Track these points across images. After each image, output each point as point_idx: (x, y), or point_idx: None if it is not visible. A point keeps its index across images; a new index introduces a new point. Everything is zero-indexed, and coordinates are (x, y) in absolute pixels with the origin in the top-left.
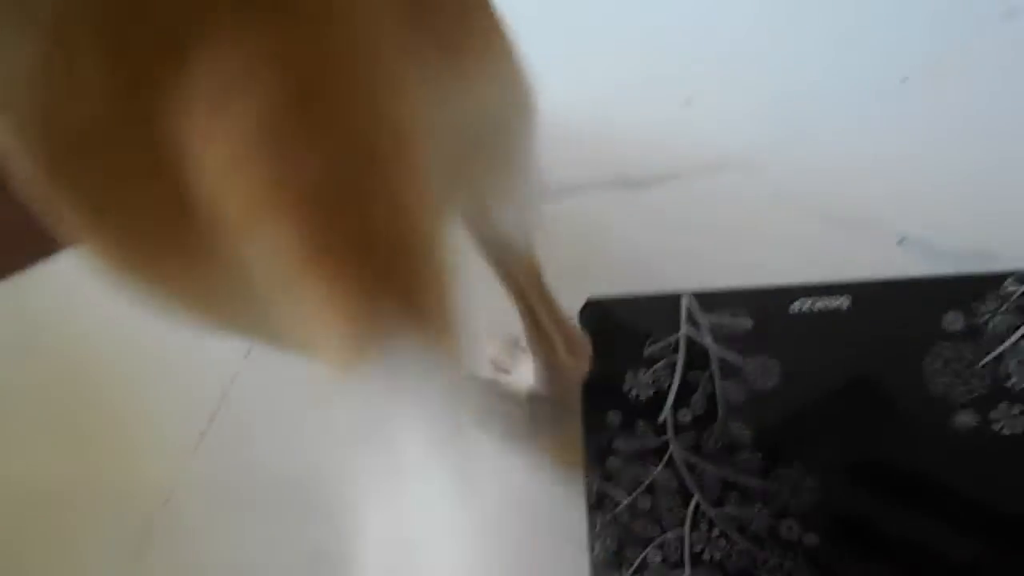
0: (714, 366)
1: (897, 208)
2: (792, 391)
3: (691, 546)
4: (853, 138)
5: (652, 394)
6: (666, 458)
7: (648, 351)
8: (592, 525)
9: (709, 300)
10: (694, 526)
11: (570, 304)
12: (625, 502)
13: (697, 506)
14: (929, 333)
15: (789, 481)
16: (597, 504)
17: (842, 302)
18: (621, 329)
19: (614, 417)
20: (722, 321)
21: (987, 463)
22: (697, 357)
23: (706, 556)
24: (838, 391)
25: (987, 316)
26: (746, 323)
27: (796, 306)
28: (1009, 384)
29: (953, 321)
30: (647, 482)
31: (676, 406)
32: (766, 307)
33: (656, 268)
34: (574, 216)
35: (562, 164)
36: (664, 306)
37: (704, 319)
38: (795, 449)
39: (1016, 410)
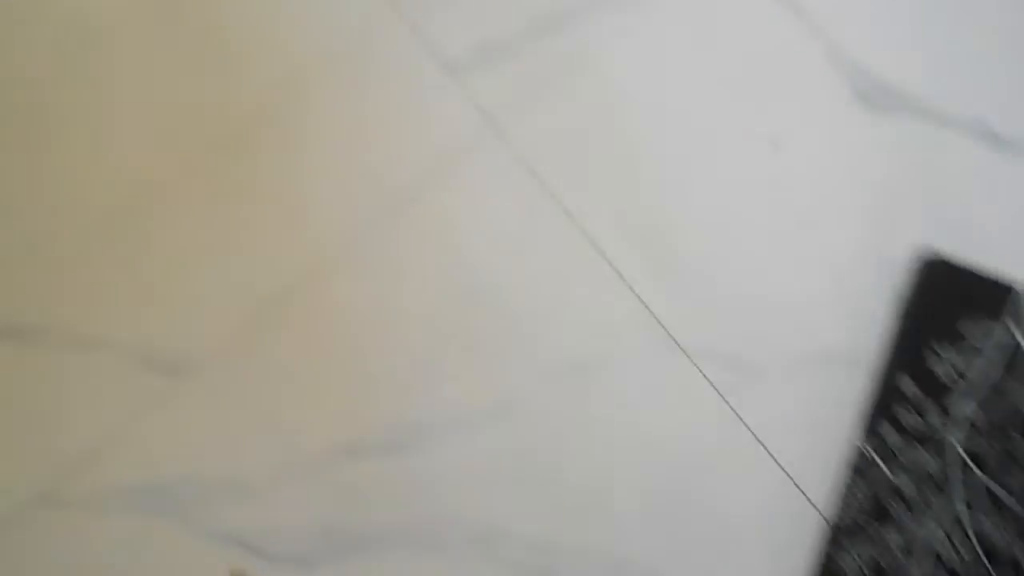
0: None
1: None
2: None
3: (926, 540)
4: None
5: (954, 377)
6: (942, 449)
7: (966, 331)
8: (848, 484)
9: None
10: (939, 523)
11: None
12: (887, 474)
13: (951, 506)
14: None
15: None
16: (860, 466)
17: None
18: (948, 296)
19: (908, 384)
20: None
21: None
22: (1018, 361)
23: (944, 557)
24: None
25: None
26: None
27: None
28: None
29: None
30: (914, 465)
31: (975, 401)
32: None
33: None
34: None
35: None
36: (994, 291)
37: None
38: None
39: None
